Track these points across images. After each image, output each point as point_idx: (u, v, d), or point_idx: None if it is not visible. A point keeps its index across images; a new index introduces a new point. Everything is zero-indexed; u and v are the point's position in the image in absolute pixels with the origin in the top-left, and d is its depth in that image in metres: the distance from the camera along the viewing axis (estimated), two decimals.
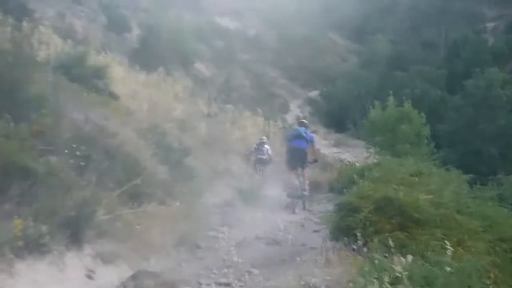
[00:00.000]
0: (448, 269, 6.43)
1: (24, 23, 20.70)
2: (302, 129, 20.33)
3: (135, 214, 11.86)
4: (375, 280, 6.18)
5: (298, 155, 19.79)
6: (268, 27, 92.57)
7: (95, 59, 23.16)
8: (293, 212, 19.18)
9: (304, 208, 20.02)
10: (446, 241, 7.27)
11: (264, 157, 24.58)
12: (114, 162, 12.65)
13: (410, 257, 6.24)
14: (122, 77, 25.75)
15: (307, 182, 20.11)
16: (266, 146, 24.99)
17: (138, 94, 24.41)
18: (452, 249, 7.04)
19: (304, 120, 22.71)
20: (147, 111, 22.07)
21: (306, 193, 20.02)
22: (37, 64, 14.14)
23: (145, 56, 38.09)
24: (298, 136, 19.97)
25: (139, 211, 12.09)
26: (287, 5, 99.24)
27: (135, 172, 13.05)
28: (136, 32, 44.51)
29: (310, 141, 20.07)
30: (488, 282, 7.39)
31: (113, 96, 19.97)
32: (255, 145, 25.11)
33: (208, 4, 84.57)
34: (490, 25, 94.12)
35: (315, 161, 21.01)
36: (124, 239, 10.92)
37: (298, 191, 19.88)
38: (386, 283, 6.15)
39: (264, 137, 26.38)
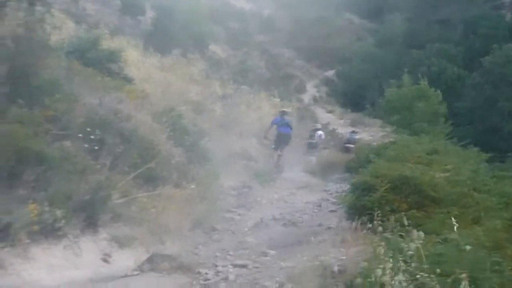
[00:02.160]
0: (462, 246, 6.38)
1: (37, 8, 20.66)
2: (288, 120, 24.19)
3: (150, 197, 11.89)
4: (390, 259, 6.14)
5: (284, 139, 23.65)
6: (283, 7, 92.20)
7: (108, 43, 23.09)
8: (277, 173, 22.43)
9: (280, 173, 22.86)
10: (452, 219, 7.19)
11: (314, 141, 27.25)
12: (129, 145, 12.66)
13: (422, 234, 6.18)
14: (137, 60, 25.70)
15: (284, 160, 23.89)
16: (319, 132, 27.74)
17: (152, 77, 24.37)
18: (457, 225, 6.96)
19: (285, 109, 25.98)
20: (161, 94, 22.04)
21: (280, 168, 23.37)
22: (50, 49, 14.09)
23: (160, 39, 37.90)
24: (286, 125, 23.75)
25: (154, 194, 12.12)
26: None
27: (150, 155, 13.06)
28: (150, 14, 44.24)
29: (288, 122, 23.91)
30: (503, 258, 7.33)
31: (127, 79, 19.91)
32: (310, 132, 28.28)
33: None
34: (507, 0, 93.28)
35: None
36: (139, 223, 10.95)
37: (277, 166, 23.39)
38: (401, 261, 6.12)
39: (319, 124, 30.33)
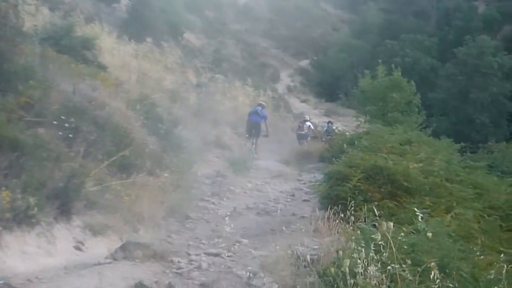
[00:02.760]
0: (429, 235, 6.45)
1: None
2: (259, 108, 25.30)
3: (124, 185, 11.86)
4: (361, 249, 6.20)
5: (254, 127, 24.73)
6: None
7: (83, 30, 22.98)
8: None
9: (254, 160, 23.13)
10: (415, 209, 7.30)
11: (303, 132, 29.32)
12: (103, 133, 12.63)
13: (391, 225, 6.24)
14: (111, 48, 25.56)
15: (259, 148, 24.86)
16: (308, 123, 29.84)
17: (127, 65, 24.27)
18: (428, 215, 7.08)
19: (261, 102, 27.22)
20: (136, 82, 22.01)
21: (255, 155, 23.91)
22: (24, 35, 14.01)
23: (135, 27, 37.71)
24: (255, 113, 25.00)
25: (128, 182, 12.10)
26: None
27: (124, 143, 13.03)
28: (125, 2, 44.02)
29: (264, 118, 24.97)
30: (474, 247, 7.45)
31: (101, 67, 19.81)
32: (299, 123, 30.31)
33: None
34: None
35: (266, 135, 25.32)
36: (113, 210, 10.92)
37: (251, 153, 23.89)
38: (372, 251, 6.18)
39: (307, 116, 32.06)
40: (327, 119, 40.24)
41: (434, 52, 67.05)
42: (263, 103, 27.09)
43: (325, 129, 32.20)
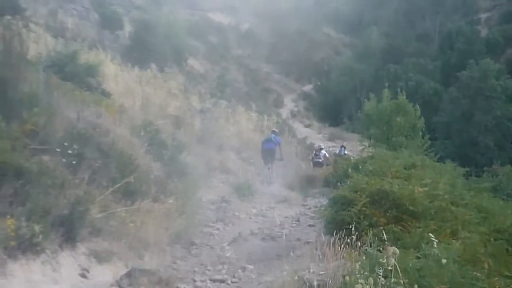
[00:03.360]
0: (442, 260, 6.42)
1: (15, 21, 20.61)
2: (272, 136, 26.14)
3: (129, 211, 11.85)
4: (369, 274, 6.18)
5: (268, 154, 25.47)
6: (261, 22, 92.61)
7: (87, 57, 23.09)
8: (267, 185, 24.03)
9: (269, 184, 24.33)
10: (430, 234, 7.26)
11: (320, 160, 29.48)
12: (107, 160, 12.64)
13: (397, 250, 6.21)
14: (115, 74, 25.67)
15: (274, 173, 25.37)
16: (323, 152, 30.12)
17: (131, 91, 24.36)
18: (435, 240, 7.02)
19: (275, 130, 28.18)
20: (140, 108, 22.07)
21: (272, 180, 24.81)
22: (29, 63, 14.10)
23: (138, 53, 37.95)
24: (268, 141, 25.80)
25: (133, 209, 12.08)
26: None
27: (129, 169, 13.03)
28: (128, 29, 44.22)
29: (278, 144, 25.84)
30: (481, 272, 7.40)
31: (105, 93, 19.91)
32: (315, 152, 30.52)
33: (202, 0, 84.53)
34: (483, 16, 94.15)
35: (281, 159, 26.15)
36: (118, 237, 10.91)
37: (268, 178, 24.81)
38: (380, 276, 6.15)
39: (322, 145, 32.92)
40: (331, 144, 40.31)
41: (437, 76, 67.26)
42: (277, 130, 28.15)
43: (337, 152, 32.37)
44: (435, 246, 6.94)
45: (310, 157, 30.67)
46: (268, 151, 25.49)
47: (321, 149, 30.77)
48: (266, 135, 27.59)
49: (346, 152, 30.98)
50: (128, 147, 14.48)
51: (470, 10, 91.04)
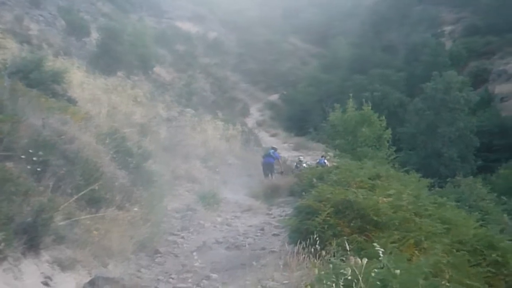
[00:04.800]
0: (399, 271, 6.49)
1: None
2: (271, 151, 28.93)
3: (94, 219, 11.77)
4: (331, 283, 6.21)
5: (267, 167, 28.02)
6: (229, 31, 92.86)
7: (53, 64, 22.90)
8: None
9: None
10: (393, 244, 7.34)
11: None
12: (73, 167, 12.55)
13: (364, 260, 6.26)
14: (81, 81, 25.53)
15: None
16: (304, 165, 31.08)
17: (97, 98, 24.23)
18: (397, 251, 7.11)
19: (274, 146, 31.64)
20: (106, 116, 21.95)
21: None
22: None
23: (105, 61, 37.69)
24: (268, 155, 28.50)
25: (98, 217, 12.01)
26: (248, 9, 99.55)
27: (94, 177, 12.94)
28: (95, 36, 43.96)
29: (276, 158, 28.77)
30: (443, 283, 7.48)
31: (71, 101, 19.75)
32: (296, 164, 32.30)
33: (169, 8, 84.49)
34: (447, 28, 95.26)
35: (281, 172, 28.78)
36: (82, 245, 10.82)
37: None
38: (342, 286, 6.19)
39: (302, 156, 35.09)
40: (297, 154, 40.43)
41: (402, 87, 67.94)
42: (276, 147, 31.70)
43: (318, 162, 32.31)
44: (394, 255, 7.02)
45: (291, 170, 31.46)
46: (268, 165, 28.20)
47: (301, 161, 32.14)
48: (265, 151, 30.43)
49: (326, 162, 30.97)
50: (94, 154, 14.39)
51: (435, 23, 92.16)
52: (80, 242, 10.87)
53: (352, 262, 6.29)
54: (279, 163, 29.37)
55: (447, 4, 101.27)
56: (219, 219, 18.04)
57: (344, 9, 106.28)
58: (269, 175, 27.77)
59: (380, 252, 7.00)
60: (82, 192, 12.04)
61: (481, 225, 12.06)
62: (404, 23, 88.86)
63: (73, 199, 11.69)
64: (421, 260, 8.01)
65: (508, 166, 45.33)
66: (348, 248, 7.84)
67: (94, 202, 12.47)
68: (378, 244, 8.57)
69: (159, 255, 13.03)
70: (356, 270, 6.16)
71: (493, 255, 9.63)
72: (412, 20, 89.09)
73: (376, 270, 6.70)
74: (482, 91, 65.73)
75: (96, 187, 12.59)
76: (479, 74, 72.91)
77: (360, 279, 6.14)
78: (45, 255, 10.00)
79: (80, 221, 11.38)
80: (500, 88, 69.98)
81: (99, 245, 11.21)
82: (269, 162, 28.38)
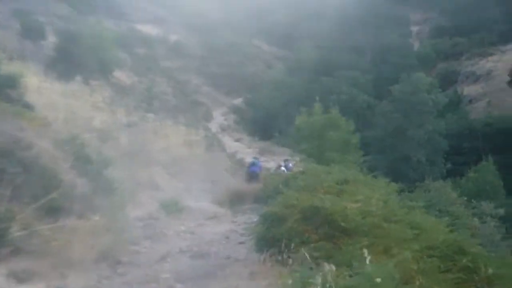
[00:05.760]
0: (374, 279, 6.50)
1: None
2: (257, 161, 30.57)
3: (52, 229, 11.65)
4: None
5: (253, 176, 29.17)
6: (191, 33, 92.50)
7: (7, 67, 22.64)
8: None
9: None
10: (364, 251, 7.34)
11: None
12: (30, 175, 12.43)
13: (333, 267, 6.27)
14: (38, 86, 25.25)
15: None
16: (283, 168, 30.71)
17: (55, 104, 23.96)
18: (369, 257, 7.11)
19: (257, 157, 32.89)
20: (64, 122, 21.73)
21: None
22: None
23: (63, 65, 37.35)
24: (254, 164, 30.16)
25: (57, 226, 11.89)
26: (211, 11, 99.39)
27: (52, 185, 12.82)
28: (52, 39, 43.57)
29: (260, 168, 30.05)
30: None
31: (28, 106, 19.52)
32: (276, 168, 32.13)
33: (129, 10, 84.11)
34: (414, 29, 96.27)
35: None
36: (40, 256, 10.71)
37: None
38: None
39: (282, 162, 33.17)
40: (262, 158, 40.48)
41: (370, 89, 68.36)
42: (258, 156, 34.04)
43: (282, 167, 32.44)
44: (368, 263, 7.03)
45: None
46: (253, 174, 29.70)
47: (280, 166, 31.81)
48: (251, 160, 31.90)
49: (291, 165, 31.15)
50: (52, 162, 14.25)
51: (402, 23, 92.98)
52: (38, 253, 10.75)
53: (322, 270, 6.28)
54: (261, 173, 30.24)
55: (413, 5, 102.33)
56: (182, 227, 17.99)
57: (310, 10, 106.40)
58: (254, 184, 27.75)
59: (367, 259, 7.01)
60: (41, 201, 11.92)
61: (451, 230, 12.13)
62: (371, 24, 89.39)
63: (31, 208, 11.57)
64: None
65: (477, 169, 45.77)
66: (315, 255, 7.82)
67: (53, 211, 12.34)
68: (346, 251, 8.63)
69: (121, 265, 12.93)
70: (326, 278, 6.16)
71: (464, 261, 9.67)
72: (379, 21, 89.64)
73: (348, 277, 6.72)
74: (451, 93, 66.39)
75: (55, 196, 12.47)
76: (448, 75, 73.89)
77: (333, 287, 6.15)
78: (1, 268, 9.89)
79: (39, 231, 11.26)
80: (468, 90, 70.88)
81: (58, 256, 11.09)
82: (255, 171, 29.76)
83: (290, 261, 8.32)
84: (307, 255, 8.27)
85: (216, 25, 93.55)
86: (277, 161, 35.74)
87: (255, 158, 31.92)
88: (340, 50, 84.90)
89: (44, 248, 10.95)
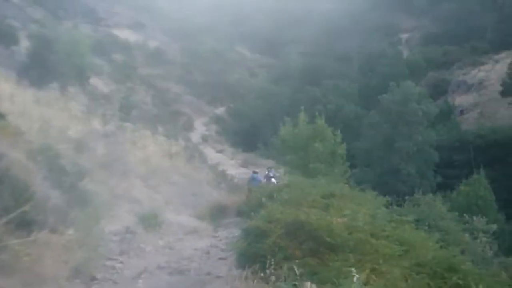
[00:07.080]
0: None
1: None
2: (257, 175, 29.01)
3: (24, 244, 11.58)
4: None
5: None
6: (172, 39, 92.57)
7: None
8: None
9: None
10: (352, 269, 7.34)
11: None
12: (0, 187, 12.36)
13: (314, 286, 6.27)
14: (10, 94, 25.18)
15: None
16: (273, 180, 29.93)
17: (28, 112, 23.91)
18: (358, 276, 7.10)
19: (256, 171, 31.23)
20: (38, 131, 21.67)
21: None
22: None
23: (37, 71, 37.21)
24: (255, 178, 28.59)
25: (29, 241, 11.81)
26: (192, 16, 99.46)
27: (24, 197, 12.75)
28: (25, 45, 43.43)
29: (259, 181, 28.25)
30: None
31: None
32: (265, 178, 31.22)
33: (107, 15, 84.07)
34: (404, 36, 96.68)
35: None
36: (10, 272, 10.64)
37: None
38: None
39: (271, 173, 32.23)
40: (245, 170, 40.44)
41: (357, 99, 68.44)
42: (257, 171, 31.66)
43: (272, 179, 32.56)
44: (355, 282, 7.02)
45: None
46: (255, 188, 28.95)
47: (270, 177, 31.21)
48: (251, 173, 30.82)
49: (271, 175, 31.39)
50: (24, 173, 14.19)
51: (391, 30, 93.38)
52: (8, 269, 10.69)
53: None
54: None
55: (403, 11, 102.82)
56: (161, 242, 17.95)
57: (295, 16, 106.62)
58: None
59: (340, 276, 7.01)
60: (11, 215, 11.85)
61: (441, 246, 12.14)
62: (359, 31, 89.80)
63: (1, 222, 11.50)
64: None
65: (469, 182, 45.78)
66: (299, 272, 7.81)
67: (24, 225, 12.27)
68: (332, 268, 8.62)
69: (96, 281, 12.90)
70: None
71: (454, 278, 9.68)
72: (367, 28, 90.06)
73: None
74: (441, 103, 66.48)
75: (27, 209, 12.40)
76: (438, 85, 74.09)
77: None
78: None
79: (9, 246, 11.19)
80: (460, 100, 71.10)
81: (30, 272, 11.03)
82: (256, 186, 28.48)
83: (273, 278, 8.30)
84: (290, 271, 8.25)
85: (198, 31, 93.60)
86: (261, 173, 35.90)
87: (254, 172, 30.86)
88: (326, 57, 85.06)
89: (14, 263, 10.88)
